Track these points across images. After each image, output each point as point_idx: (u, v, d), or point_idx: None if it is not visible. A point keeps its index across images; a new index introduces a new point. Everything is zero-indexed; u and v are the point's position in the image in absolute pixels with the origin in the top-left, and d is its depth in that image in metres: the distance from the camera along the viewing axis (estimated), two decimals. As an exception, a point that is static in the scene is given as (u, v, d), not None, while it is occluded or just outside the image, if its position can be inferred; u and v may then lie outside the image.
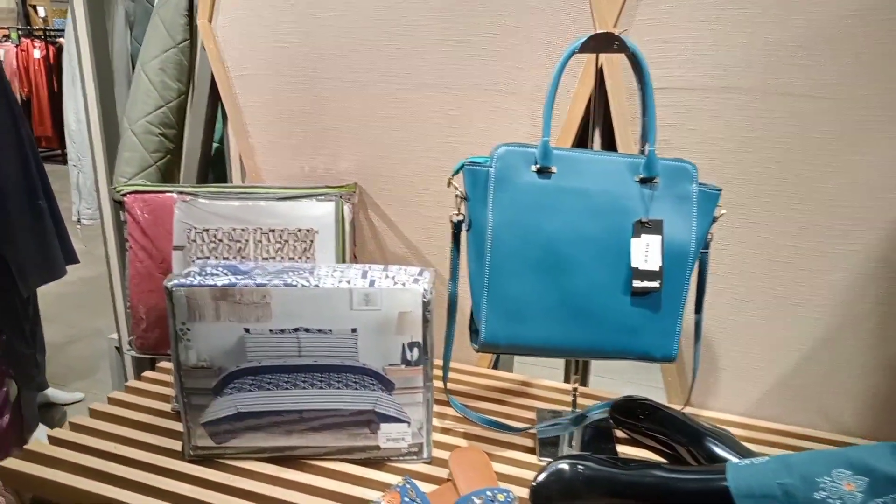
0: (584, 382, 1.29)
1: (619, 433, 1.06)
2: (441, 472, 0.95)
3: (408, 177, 1.26)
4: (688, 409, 1.08)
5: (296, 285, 0.90)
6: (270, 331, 0.91)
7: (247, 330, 0.91)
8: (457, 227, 0.95)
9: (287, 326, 0.91)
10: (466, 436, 1.05)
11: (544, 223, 0.89)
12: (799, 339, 1.09)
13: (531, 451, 1.01)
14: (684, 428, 0.98)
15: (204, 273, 0.92)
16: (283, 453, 0.96)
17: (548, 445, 1.02)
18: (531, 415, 1.12)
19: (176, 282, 0.90)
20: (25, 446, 0.98)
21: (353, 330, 0.92)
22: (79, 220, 3.01)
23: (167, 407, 1.11)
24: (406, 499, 0.80)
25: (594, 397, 1.17)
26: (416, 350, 0.93)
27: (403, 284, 0.92)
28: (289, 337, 0.92)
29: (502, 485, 0.89)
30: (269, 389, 0.93)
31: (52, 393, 2.45)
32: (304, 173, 1.32)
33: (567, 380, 1.30)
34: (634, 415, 1.03)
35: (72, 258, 1.98)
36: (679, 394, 1.17)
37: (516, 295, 0.91)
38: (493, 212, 0.90)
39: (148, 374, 1.23)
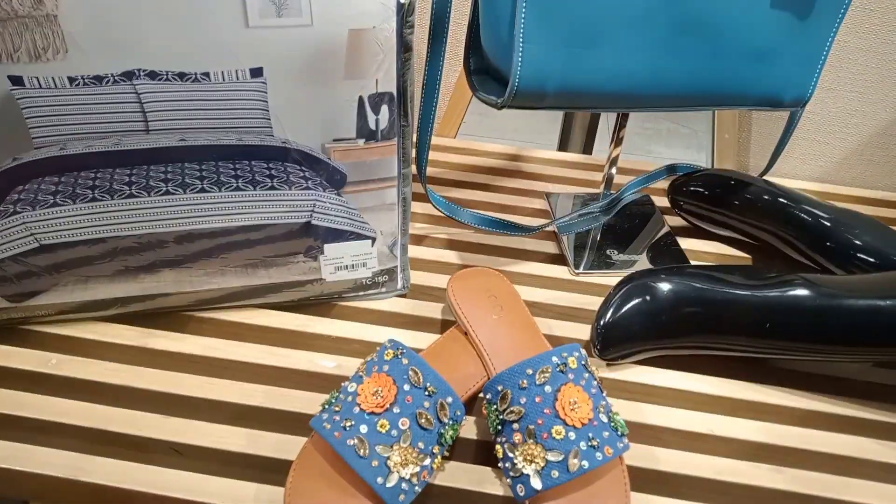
0: (587, 150, 0.91)
1: (671, 219, 0.72)
2: (428, 311, 0.58)
3: None
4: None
5: (108, -30, 0.40)
6: (72, 80, 0.43)
7: (15, 80, 0.42)
8: None
9: (108, 69, 0.43)
10: (451, 245, 0.67)
11: None
12: (921, 72, 0.75)
13: (557, 260, 0.66)
14: (786, 207, 0.64)
15: None
16: (149, 307, 0.54)
17: (581, 250, 0.66)
18: (538, 204, 0.74)
19: None
20: None
21: (257, 72, 0.45)
22: None
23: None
24: (405, 386, 0.42)
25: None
26: (384, 109, 0.49)
27: (352, -32, 0.44)
28: (115, 92, 0.44)
29: (543, 324, 0.54)
30: (94, 200, 0.47)
31: None
32: None
33: (564, 147, 0.92)
34: (709, 193, 0.68)
35: None
36: (732, 156, 0.83)
37: (582, -10, 0.46)
38: None
39: None
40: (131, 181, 0.47)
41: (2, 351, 0.50)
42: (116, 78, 0.43)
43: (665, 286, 0.52)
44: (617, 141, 0.67)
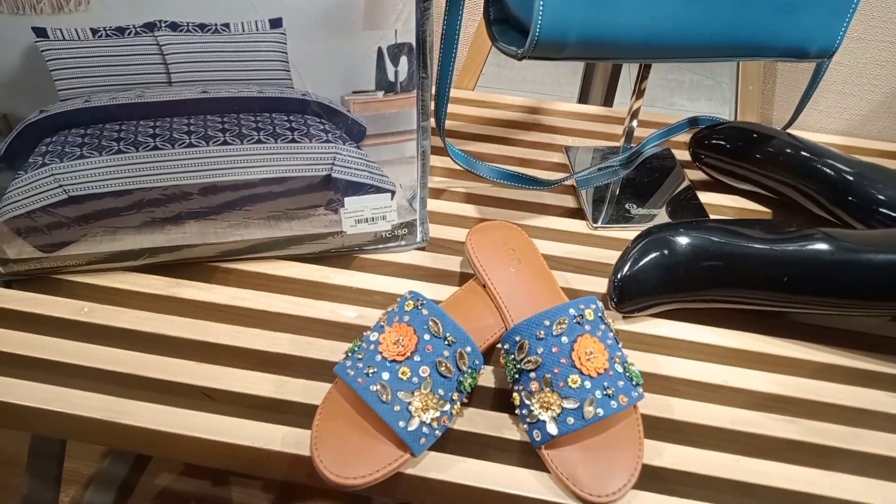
0: (608, 102, 0.90)
1: (692, 173, 0.72)
2: (447, 263, 0.59)
3: None
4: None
5: (127, -81, 0.40)
6: (94, 31, 0.43)
7: (39, 32, 0.42)
8: None
9: (129, 20, 0.43)
10: (469, 198, 0.67)
11: None
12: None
13: (575, 214, 0.66)
14: (808, 161, 0.64)
15: None
16: (176, 257, 0.55)
17: (600, 204, 0.66)
18: (556, 157, 0.74)
19: None
20: None
21: (276, 23, 0.45)
22: None
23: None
24: (426, 335, 0.44)
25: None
26: (403, 61, 0.49)
27: (371, -86, 0.43)
28: (137, 43, 0.44)
29: (561, 277, 0.55)
30: (120, 152, 0.48)
31: None
32: None
33: (584, 99, 0.91)
34: (730, 146, 0.67)
35: None
36: (756, 109, 0.82)
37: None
38: None
39: None
40: (155, 133, 0.48)
41: (36, 299, 0.52)
42: (138, 29, 0.43)
43: (683, 240, 0.52)
44: (638, 93, 0.66)
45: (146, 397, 0.46)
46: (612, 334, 0.45)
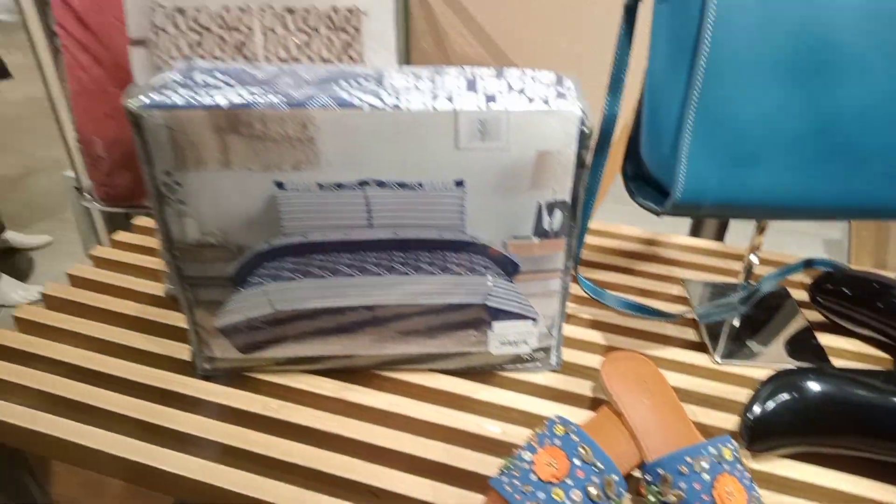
0: (720, 236, 0.96)
1: (808, 313, 0.75)
2: (577, 387, 0.65)
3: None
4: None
5: (359, 105, 0.51)
6: (320, 185, 0.54)
7: (279, 185, 0.54)
8: (637, -3, 0.55)
9: (347, 178, 0.54)
10: (595, 325, 0.73)
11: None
12: None
13: (697, 347, 0.70)
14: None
15: (193, 83, 0.52)
16: (345, 364, 0.64)
17: (719, 338, 0.71)
18: (675, 290, 0.80)
19: (147, 101, 0.51)
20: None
21: (459, 183, 0.55)
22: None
23: (160, 288, 0.76)
24: (576, 461, 0.49)
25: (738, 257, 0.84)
26: (558, 213, 0.58)
27: (545, 102, 0.53)
28: (351, 196, 0.55)
29: (687, 410, 0.59)
30: (321, 277, 0.58)
31: (12, 237, 2.09)
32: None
33: (697, 232, 0.97)
34: (850, 293, 0.71)
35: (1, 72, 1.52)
36: (870, 253, 0.85)
37: (748, 119, 0.53)
38: (725, -35, 0.49)
39: (122, 236, 0.86)
40: (352, 264, 0.58)
41: (233, 394, 0.62)
42: (351, 186, 0.54)
43: (814, 386, 0.56)
44: (759, 229, 0.71)
45: (326, 490, 0.53)
46: (748, 474, 0.49)
